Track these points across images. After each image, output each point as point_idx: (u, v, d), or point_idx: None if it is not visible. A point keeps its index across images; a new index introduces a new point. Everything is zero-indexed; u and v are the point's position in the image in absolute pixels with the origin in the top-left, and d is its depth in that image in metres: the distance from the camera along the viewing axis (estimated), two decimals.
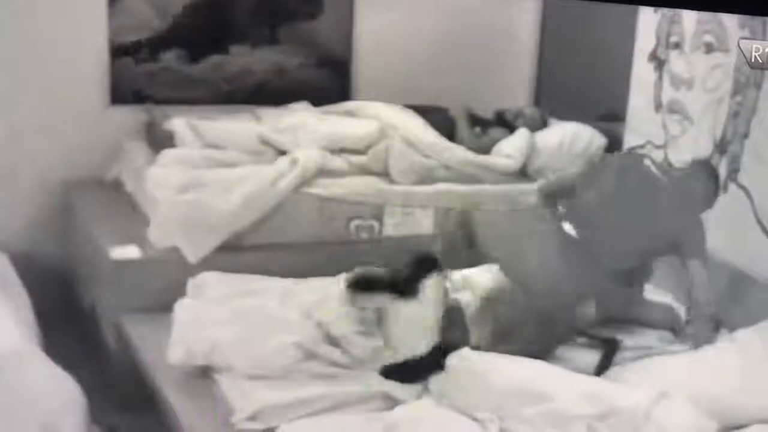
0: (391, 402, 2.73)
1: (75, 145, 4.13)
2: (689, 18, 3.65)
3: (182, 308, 3.11)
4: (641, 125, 3.93)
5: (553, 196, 3.28)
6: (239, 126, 4.05)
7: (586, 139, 4.29)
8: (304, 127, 4.00)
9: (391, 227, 3.86)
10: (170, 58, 4.31)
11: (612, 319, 3.24)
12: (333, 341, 2.95)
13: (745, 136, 3.37)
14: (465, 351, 2.75)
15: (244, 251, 3.59)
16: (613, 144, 4.21)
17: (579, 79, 4.53)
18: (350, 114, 4.22)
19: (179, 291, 3.23)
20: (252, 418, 2.65)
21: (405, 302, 3.04)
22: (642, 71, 3.93)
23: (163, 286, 3.28)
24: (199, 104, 4.28)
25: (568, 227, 3.01)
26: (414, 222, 3.89)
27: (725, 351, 2.89)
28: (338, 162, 3.91)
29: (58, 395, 2.50)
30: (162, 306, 3.14)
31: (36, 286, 3.26)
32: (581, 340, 3.11)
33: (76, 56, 4.11)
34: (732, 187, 3.41)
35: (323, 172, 3.83)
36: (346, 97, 4.49)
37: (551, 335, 2.96)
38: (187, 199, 3.56)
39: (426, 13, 4.63)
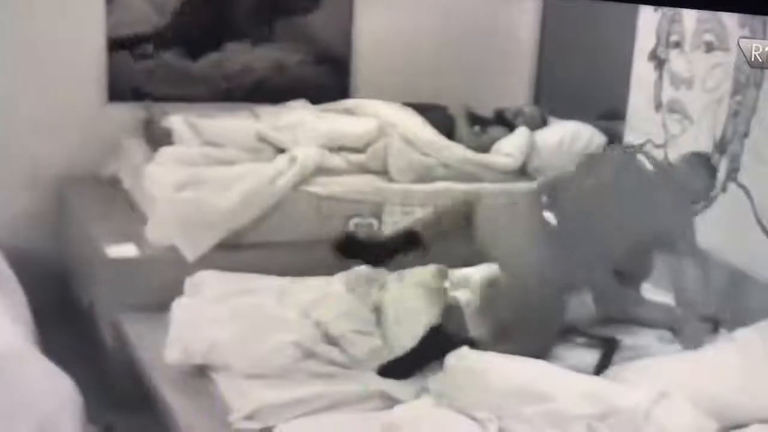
0: (390, 401, 2.72)
1: (73, 142, 4.13)
2: (689, 17, 3.64)
3: (180, 307, 3.10)
4: (641, 124, 3.92)
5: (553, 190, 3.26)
6: (238, 124, 4.04)
7: (586, 138, 4.28)
8: (303, 125, 3.99)
9: (390, 226, 3.84)
10: (169, 55, 4.31)
11: (611, 319, 3.23)
12: (331, 340, 2.94)
13: (745, 135, 3.37)
14: (464, 350, 2.74)
15: (242, 249, 3.58)
16: (613, 143, 4.20)
17: (579, 78, 4.52)
18: (349, 112, 4.22)
19: (177, 289, 3.22)
20: (249, 417, 2.65)
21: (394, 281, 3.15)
22: (642, 70, 3.92)
23: (160, 285, 3.28)
24: (197, 102, 4.28)
25: (548, 216, 2.99)
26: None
27: (725, 351, 2.88)
28: (337, 160, 3.90)
29: (53, 394, 2.49)
30: (159, 304, 3.13)
31: (32, 283, 3.24)
32: (580, 339, 3.10)
33: (74, 53, 4.10)
34: (732, 186, 3.40)
35: (322, 171, 3.83)
36: (345, 95, 4.49)
37: (546, 328, 2.94)
38: (185, 197, 3.55)
39: (426, 12, 4.62)
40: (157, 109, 4.08)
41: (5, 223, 3.98)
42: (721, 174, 3.42)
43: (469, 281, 3.21)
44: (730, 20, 3.40)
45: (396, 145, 3.97)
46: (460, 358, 2.71)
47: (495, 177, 4.06)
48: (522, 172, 4.15)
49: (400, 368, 2.86)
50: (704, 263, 3.13)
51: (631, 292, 3.32)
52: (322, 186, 3.78)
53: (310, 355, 2.87)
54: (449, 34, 4.66)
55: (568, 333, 3.11)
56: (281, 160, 3.80)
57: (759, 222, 3.28)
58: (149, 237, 3.54)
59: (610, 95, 4.22)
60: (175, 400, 2.82)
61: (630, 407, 2.46)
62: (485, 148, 4.18)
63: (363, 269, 3.27)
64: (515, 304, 2.96)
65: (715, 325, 3.18)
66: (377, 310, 3.12)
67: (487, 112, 4.42)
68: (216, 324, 2.97)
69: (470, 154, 4.08)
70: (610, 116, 4.33)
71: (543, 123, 4.43)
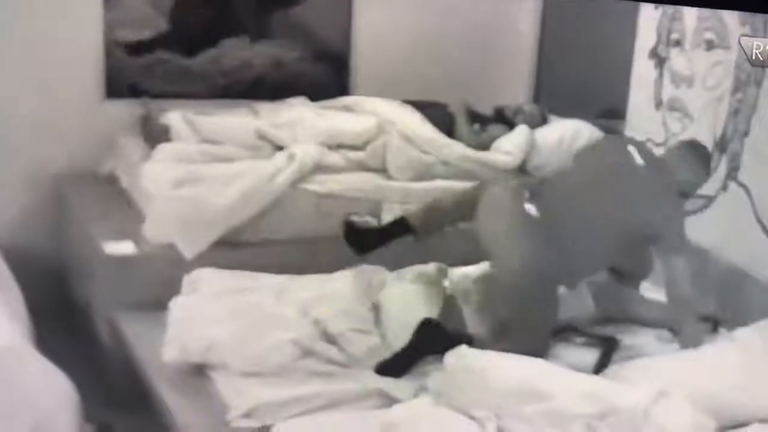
0: (388, 400, 2.72)
1: (70, 139, 4.11)
2: (690, 15, 3.64)
3: (178, 305, 3.09)
4: (641, 123, 3.92)
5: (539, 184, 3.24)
6: (236, 121, 4.03)
7: (586, 137, 4.26)
8: (302, 123, 3.98)
9: None
10: (166, 51, 4.29)
11: (610, 318, 3.23)
12: (330, 339, 2.93)
13: (746, 133, 3.36)
14: (463, 349, 2.72)
15: (240, 247, 3.57)
16: None
17: (579, 76, 4.52)
18: (348, 109, 4.21)
19: (174, 287, 3.21)
20: (247, 415, 2.64)
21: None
22: (642, 68, 3.91)
23: (158, 282, 3.27)
24: (195, 98, 4.26)
25: (529, 207, 2.97)
26: None
27: (725, 350, 2.88)
28: (336, 158, 3.89)
29: (50, 392, 2.48)
30: (157, 302, 3.12)
31: (29, 281, 3.23)
32: (580, 339, 3.10)
33: (71, 49, 4.09)
34: (732, 185, 3.39)
35: (321, 168, 3.82)
36: (344, 92, 4.48)
37: (540, 324, 2.93)
38: (182, 194, 3.54)
39: (426, 9, 4.62)
40: (154, 105, 4.07)
41: (1, 220, 3.97)
42: (722, 173, 3.41)
43: (468, 280, 3.20)
44: (730, 18, 3.40)
45: (395, 142, 3.96)
46: (459, 357, 2.70)
47: (494, 175, 4.05)
48: (522, 170, 4.14)
49: (396, 365, 2.85)
50: (695, 258, 3.11)
51: (631, 291, 3.31)
52: (320, 184, 3.77)
53: (308, 353, 2.86)
54: (449, 31, 4.65)
55: (567, 332, 3.11)
56: (280, 157, 3.78)
57: (759, 221, 3.28)
58: (147, 234, 3.53)
59: (611, 93, 4.22)
60: (172, 398, 2.81)
61: (629, 406, 2.46)
62: (485, 146, 4.17)
63: (365, 267, 3.26)
64: (506, 298, 2.95)
65: (714, 324, 3.18)
66: (376, 309, 3.12)
67: (487, 109, 4.41)
68: (214, 322, 2.96)
69: (470, 152, 4.07)
70: (610, 114, 4.32)
71: (543, 121, 4.42)
